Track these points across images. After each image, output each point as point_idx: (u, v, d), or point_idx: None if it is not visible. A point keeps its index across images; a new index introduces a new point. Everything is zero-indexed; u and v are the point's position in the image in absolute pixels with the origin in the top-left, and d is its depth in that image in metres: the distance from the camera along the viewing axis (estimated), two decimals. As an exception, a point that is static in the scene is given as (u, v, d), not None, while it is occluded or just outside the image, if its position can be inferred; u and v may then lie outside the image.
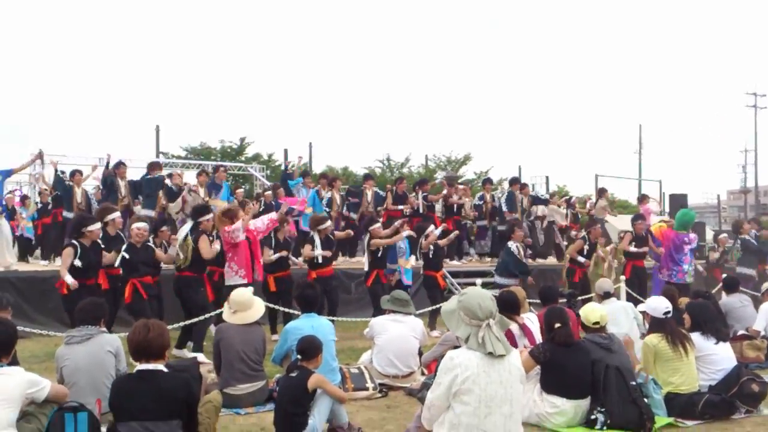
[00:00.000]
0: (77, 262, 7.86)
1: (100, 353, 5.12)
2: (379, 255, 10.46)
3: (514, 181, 15.69)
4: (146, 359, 4.18)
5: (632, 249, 12.10)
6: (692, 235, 12.11)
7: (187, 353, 8.42)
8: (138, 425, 4.06)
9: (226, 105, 60.82)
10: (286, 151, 31.95)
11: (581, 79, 73.99)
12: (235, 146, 30.05)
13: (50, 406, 4.20)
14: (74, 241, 7.99)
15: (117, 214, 8.94)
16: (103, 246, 8.38)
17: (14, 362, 4.60)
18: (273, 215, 9.85)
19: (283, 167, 13.97)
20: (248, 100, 61.33)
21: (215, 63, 66.55)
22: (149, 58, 64.58)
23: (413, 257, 11.01)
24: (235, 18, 67.67)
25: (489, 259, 14.70)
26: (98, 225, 8.28)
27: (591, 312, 5.99)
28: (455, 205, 14.20)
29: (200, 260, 8.48)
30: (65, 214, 11.95)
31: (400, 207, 13.85)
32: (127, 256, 8.42)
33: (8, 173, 11.17)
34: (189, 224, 8.69)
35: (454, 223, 13.78)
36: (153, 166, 13.38)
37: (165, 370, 4.28)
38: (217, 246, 8.72)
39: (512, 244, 11.41)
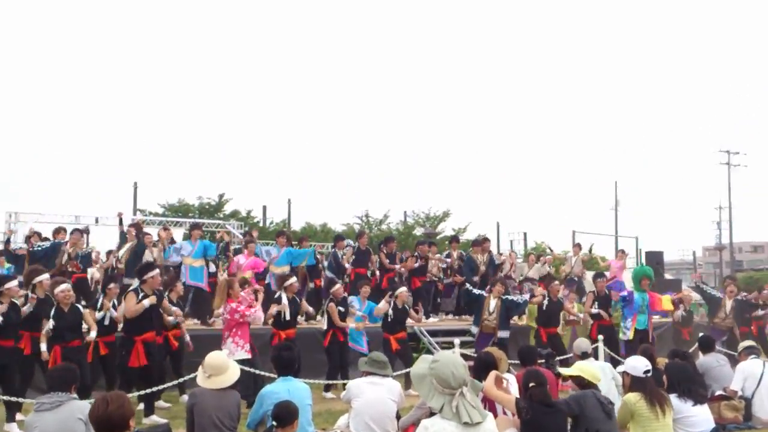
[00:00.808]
0: None
1: (69, 421, 5.02)
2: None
3: (475, 243, 15.51)
4: None
5: (593, 311, 12.21)
6: (624, 293, 12.13)
7: (156, 419, 8.30)
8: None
9: (205, 162, 61.04)
10: (264, 207, 32.15)
11: (558, 136, 75.22)
12: (213, 203, 30.07)
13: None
14: None
15: (45, 276, 8.80)
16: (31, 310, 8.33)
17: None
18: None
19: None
20: (227, 157, 61.56)
21: (194, 119, 67.00)
22: (127, 115, 64.82)
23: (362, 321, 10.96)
24: (213, 73, 68.35)
25: (461, 317, 14.67)
26: (15, 283, 8.31)
27: (593, 369, 6.01)
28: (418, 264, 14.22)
29: (131, 320, 8.56)
30: None
31: (397, 266, 13.98)
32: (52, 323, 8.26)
33: None
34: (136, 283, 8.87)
35: (420, 282, 13.96)
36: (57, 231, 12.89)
37: None
38: (144, 303, 8.62)
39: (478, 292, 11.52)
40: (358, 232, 15.87)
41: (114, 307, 9.19)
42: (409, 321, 12.67)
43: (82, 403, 5.26)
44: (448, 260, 15.00)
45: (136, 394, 8.08)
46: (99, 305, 9.15)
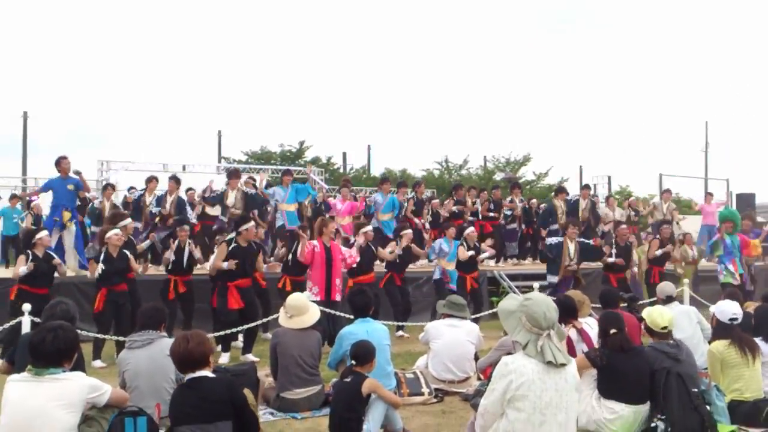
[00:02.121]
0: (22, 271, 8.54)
1: (160, 357, 5.22)
2: (397, 261, 10.71)
3: (560, 191, 14.87)
4: (191, 369, 4.26)
5: (658, 253, 12.09)
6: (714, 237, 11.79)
7: (250, 357, 8.60)
8: (188, 429, 4.13)
9: (286, 109, 61.43)
10: (344, 154, 32.42)
11: (644, 76, 72.31)
12: (294, 150, 30.46)
13: (111, 411, 4.29)
14: (28, 251, 8.74)
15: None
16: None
17: (79, 366, 4.70)
18: (355, 251, 9.79)
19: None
20: (307, 104, 61.75)
21: (274, 67, 67.42)
22: (211, 66, 65.76)
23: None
24: (293, 22, 68.42)
25: (528, 261, 14.69)
26: (45, 233, 9.08)
27: (659, 316, 5.79)
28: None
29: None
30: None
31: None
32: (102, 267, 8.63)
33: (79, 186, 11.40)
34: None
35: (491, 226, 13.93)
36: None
37: (211, 375, 4.33)
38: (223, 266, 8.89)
39: (555, 240, 11.36)
40: (414, 182, 15.69)
41: (191, 247, 9.71)
42: (489, 264, 12.68)
43: (171, 341, 5.47)
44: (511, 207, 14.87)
45: (215, 334, 8.38)
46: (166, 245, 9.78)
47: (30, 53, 63.33)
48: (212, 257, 9.44)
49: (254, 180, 13.50)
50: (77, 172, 11.14)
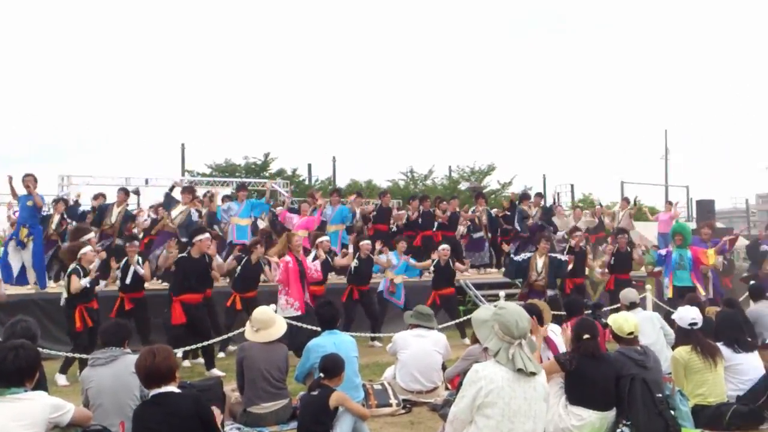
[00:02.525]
0: None
1: (124, 375, 5.14)
2: (353, 273, 10.84)
3: (524, 197, 15.29)
4: (157, 384, 4.21)
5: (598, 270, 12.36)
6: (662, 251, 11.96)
7: (216, 372, 8.53)
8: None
9: (250, 121, 61.40)
10: (309, 165, 32.27)
11: (605, 84, 73.61)
12: (259, 162, 30.26)
13: (74, 430, 4.23)
14: None
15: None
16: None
17: (41, 385, 4.62)
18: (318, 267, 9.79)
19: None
20: (272, 116, 61.83)
21: (238, 80, 67.27)
22: (173, 77, 65.38)
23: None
24: (257, 34, 68.39)
25: (494, 270, 14.69)
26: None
27: (624, 322, 5.86)
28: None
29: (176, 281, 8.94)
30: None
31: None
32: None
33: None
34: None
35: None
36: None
37: (177, 391, 4.29)
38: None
39: (524, 257, 11.41)
40: (380, 191, 15.79)
41: (139, 263, 9.52)
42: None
43: (135, 357, 5.40)
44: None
45: (181, 350, 8.31)
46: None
47: (-12, 66, 62.32)
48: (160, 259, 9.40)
49: (211, 194, 13.39)
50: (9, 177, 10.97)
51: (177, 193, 12.03)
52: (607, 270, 12.37)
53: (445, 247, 11.36)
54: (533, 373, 3.82)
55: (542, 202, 15.79)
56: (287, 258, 9.15)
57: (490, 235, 14.90)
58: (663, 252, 11.63)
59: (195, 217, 11.86)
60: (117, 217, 12.06)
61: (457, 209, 14.89)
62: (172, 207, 11.76)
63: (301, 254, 9.40)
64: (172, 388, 4.22)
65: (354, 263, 10.82)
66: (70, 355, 8.13)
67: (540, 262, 10.98)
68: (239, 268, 9.87)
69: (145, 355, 4.25)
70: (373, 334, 10.55)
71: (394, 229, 14.20)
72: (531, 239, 13.52)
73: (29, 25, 64.89)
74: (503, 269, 12.65)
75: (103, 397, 5.11)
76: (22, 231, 10.85)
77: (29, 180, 10.79)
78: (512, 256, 11.98)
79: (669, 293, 11.16)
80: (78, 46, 63.82)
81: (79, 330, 8.38)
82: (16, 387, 3.99)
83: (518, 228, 14.36)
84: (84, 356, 7.88)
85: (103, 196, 12.98)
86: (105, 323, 5.82)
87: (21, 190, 10.92)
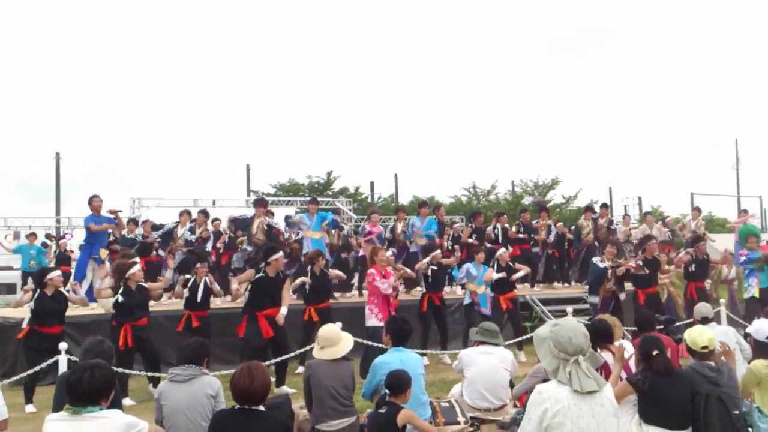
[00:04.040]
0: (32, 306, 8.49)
1: (199, 395, 5.23)
2: (430, 281, 10.93)
3: (587, 209, 15.61)
4: (249, 404, 4.34)
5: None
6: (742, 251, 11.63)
7: (285, 389, 8.62)
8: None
9: (313, 141, 62.13)
10: (372, 183, 32.54)
11: (672, 94, 71.93)
12: (322, 181, 30.65)
13: (148, 447, 4.31)
14: (37, 289, 8.65)
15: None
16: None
17: (116, 403, 4.72)
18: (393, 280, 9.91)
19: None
20: (334, 135, 62.36)
21: (302, 101, 68.20)
22: (238, 100, 66.76)
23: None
24: (320, 56, 69.39)
25: (560, 285, 14.63)
26: (57, 273, 8.84)
27: (699, 335, 5.66)
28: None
29: (251, 296, 9.04)
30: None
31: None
32: (120, 299, 8.67)
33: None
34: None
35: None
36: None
37: (264, 410, 4.39)
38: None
39: (598, 260, 11.22)
40: (435, 206, 15.96)
41: (206, 283, 9.83)
42: (520, 290, 12.71)
43: (213, 378, 5.48)
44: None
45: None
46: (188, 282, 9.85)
47: (60, 94, 64.77)
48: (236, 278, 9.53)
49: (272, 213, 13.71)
50: (114, 212, 11.35)
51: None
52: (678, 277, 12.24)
53: (503, 251, 11.49)
54: (592, 391, 3.70)
55: (609, 214, 15.71)
56: (372, 270, 9.28)
57: (551, 250, 14.78)
58: (742, 259, 11.43)
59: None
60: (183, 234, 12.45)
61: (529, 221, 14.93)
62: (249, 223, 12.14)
63: (385, 269, 9.48)
64: (261, 407, 4.33)
65: (430, 271, 10.94)
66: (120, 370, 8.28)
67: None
68: (309, 281, 10.03)
69: (244, 376, 4.36)
70: (442, 351, 10.51)
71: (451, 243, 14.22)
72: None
73: (95, 51, 67.33)
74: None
75: (178, 416, 5.20)
76: (102, 252, 11.23)
77: (98, 201, 11.19)
78: (595, 261, 11.76)
79: (755, 293, 10.98)
80: (143, 71, 65.88)
81: (120, 348, 8.44)
82: (92, 406, 4.08)
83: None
84: (129, 372, 8.18)
85: (189, 213, 13.41)
86: (187, 340, 5.95)
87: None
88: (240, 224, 12.73)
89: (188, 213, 13.29)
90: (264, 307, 8.94)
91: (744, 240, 11.54)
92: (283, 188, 30.13)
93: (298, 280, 10.29)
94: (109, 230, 12.41)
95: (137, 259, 9.64)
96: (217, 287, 10.02)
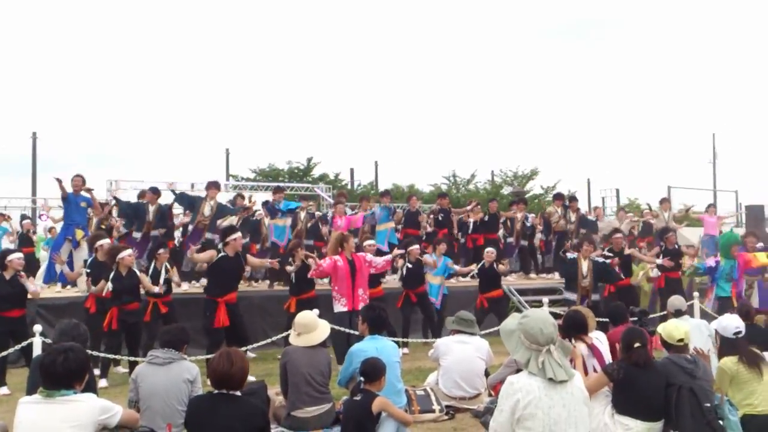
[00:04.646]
0: None
1: (177, 380, 5.27)
2: (405, 277, 11.03)
3: (557, 197, 15.66)
4: (226, 389, 4.35)
5: (657, 261, 12.24)
6: (711, 262, 11.72)
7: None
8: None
9: (294, 126, 61.85)
10: (352, 170, 32.49)
11: (652, 88, 72.35)
12: (302, 167, 30.53)
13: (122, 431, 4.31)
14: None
15: (105, 241, 9.29)
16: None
17: (91, 387, 4.70)
18: (389, 257, 10.02)
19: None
20: (315, 121, 62.03)
21: (282, 85, 67.80)
22: (218, 83, 66.22)
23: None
24: (300, 41, 68.97)
25: (536, 276, 14.68)
26: (18, 255, 8.65)
27: (675, 329, 5.73)
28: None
29: (214, 282, 8.94)
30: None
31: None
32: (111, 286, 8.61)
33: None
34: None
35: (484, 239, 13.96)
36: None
37: (239, 395, 4.40)
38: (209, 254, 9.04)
39: (571, 255, 11.30)
40: (408, 195, 15.97)
41: (166, 270, 9.65)
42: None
43: (191, 364, 5.50)
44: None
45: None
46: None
47: (38, 73, 63.93)
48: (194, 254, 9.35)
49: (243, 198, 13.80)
50: (88, 190, 11.19)
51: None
52: (655, 270, 12.31)
53: (490, 250, 11.53)
54: (564, 381, 3.76)
55: (577, 207, 15.70)
56: (336, 257, 9.21)
57: (525, 241, 14.85)
58: (712, 263, 11.46)
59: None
60: (153, 215, 12.32)
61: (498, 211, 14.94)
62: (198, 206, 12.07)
63: (354, 254, 9.43)
64: (238, 392, 4.35)
65: (405, 268, 10.97)
66: (101, 355, 8.26)
67: (584, 265, 10.93)
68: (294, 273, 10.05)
69: (223, 360, 4.37)
70: (426, 340, 10.54)
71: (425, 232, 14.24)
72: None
73: (77, 31, 66.53)
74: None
75: (154, 399, 5.21)
76: (77, 232, 11.08)
77: (79, 181, 11.05)
78: (567, 254, 11.88)
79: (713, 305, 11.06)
80: (123, 53, 65.14)
81: (104, 330, 8.50)
82: (66, 389, 4.07)
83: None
84: (113, 356, 8.16)
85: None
86: (167, 326, 5.96)
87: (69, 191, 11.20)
88: (184, 201, 12.62)
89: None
90: (228, 291, 8.93)
91: (728, 250, 11.49)
92: (263, 173, 29.99)
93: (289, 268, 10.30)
94: (90, 212, 12.30)
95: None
96: (176, 277, 9.93)
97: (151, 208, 12.33)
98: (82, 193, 11.17)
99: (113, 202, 13.30)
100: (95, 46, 65.14)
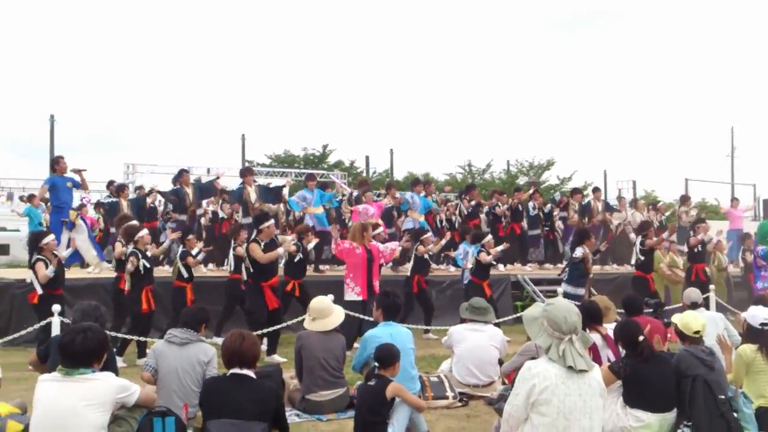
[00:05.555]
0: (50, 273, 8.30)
1: (193, 361, 5.33)
2: (419, 263, 10.91)
3: (575, 193, 15.69)
4: (239, 366, 4.41)
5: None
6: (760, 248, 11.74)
7: (277, 358, 8.69)
8: (230, 423, 4.22)
9: (310, 113, 61.76)
10: (367, 158, 32.48)
11: (670, 79, 71.64)
12: (317, 153, 30.58)
13: (140, 411, 4.37)
14: (42, 256, 8.43)
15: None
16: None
17: (110, 366, 4.76)
18: (394, 246, 10.00)
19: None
20: (331, 108, 61.96)
21: (299, 71, 67.75)
22: (235, 68, 66.29)
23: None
24: (318, 27, 68.79)
25: (551, 266, 14.62)
26: (51, 236, 8.70)
27: (692, 320, 5.71)
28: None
29: (258, 267, 8.91)
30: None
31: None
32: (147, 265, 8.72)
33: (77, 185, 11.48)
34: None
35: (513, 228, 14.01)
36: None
37: (254, 376, 4.45)
38: (279, 251, 9.09)
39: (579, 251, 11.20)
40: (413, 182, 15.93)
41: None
42: (512, 270, 12.71)
43: (207, 346, 5.56)
44: (535, 211, 14.92)
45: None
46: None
47: (56, 57, 64.24)
48: (254, 253, 9.22)
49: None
50: (77, 170, 11.17)
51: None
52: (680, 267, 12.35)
53: (489, 238, 11.45)
54: (584, 371, 3.77)
55: (601, 197, 15.82)
56: (355, 245, 9.24)
57: (546, 230, 14.82)
58: (760, 249, 11.63)
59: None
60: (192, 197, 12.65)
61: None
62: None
63: (371, 244, 9.45)
64: (250, 372, 4.38)
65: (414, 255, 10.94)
66: (120, 336, 8.32)
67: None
68: (298, 254, 10.01)
69: (235, 337, 4.47)
70: (426, 327, 10.58)
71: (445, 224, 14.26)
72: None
73: (94, 14, 66.74)
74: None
75: (170, 378, 5.29)
76: (71, 213, 11.13)
77: (64, 163, 11.07)
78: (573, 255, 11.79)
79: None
80: (142, 37, 65.36)
81: (145, 311, 8.57)
82: (85, 368, 4.13)
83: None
84: (141, 338, 8.20)
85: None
86: (189, 306, 6.02)
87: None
88: (231, 198, 12.72)
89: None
90: (269, 277, 8.99)
91: (763, 237, 11.63)
92: (278, 159, 30.08)
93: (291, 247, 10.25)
94: (84, 197, 12.40)
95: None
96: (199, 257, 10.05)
97: (189, 190, 12.48)
98: (69, 174, 11.13)
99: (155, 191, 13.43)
100: (112, 32, 65.35)
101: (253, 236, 9.26)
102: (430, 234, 11.31)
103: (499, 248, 11.37)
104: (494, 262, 11.02)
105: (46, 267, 8.32)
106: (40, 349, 5.64)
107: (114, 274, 9.61)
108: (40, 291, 8.35)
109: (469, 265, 10.84)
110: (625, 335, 5.53)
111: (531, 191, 15.27)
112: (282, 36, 70.53)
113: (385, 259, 9.80)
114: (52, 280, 8.41)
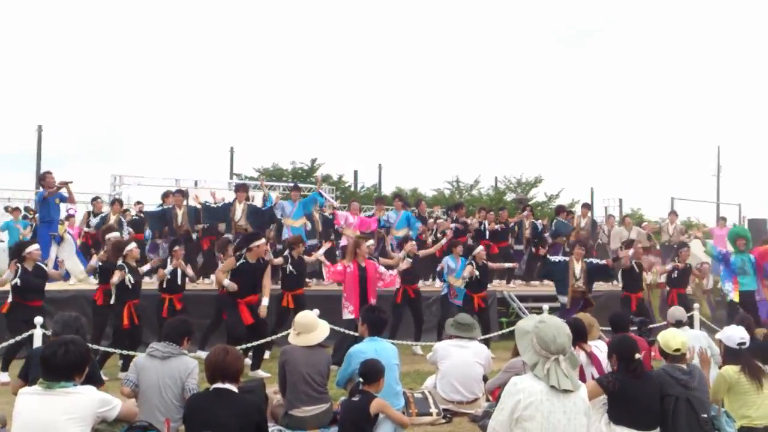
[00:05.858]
0: (17, 282, 8.27)
1: (175, 375, 5.25)
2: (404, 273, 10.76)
3: (560, 210, 15.70)
4: (221, 381, 4.38)
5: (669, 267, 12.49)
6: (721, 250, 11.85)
7: (260, 374, 8.64)
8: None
9: (298, 127, 61.82)
10: (356, 172, 32.51)
11: (657, 99, 72.26)
12: (306, 167, 30.56)
13: (120, 425, 4.32)
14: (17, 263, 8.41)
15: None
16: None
17: (93, 379, 4.71)
18: (395, 273, 10.00)
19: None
20: (319, 122, 62.06)
21: (288, 85, 67.85)
22: (224, 82, 66.32)
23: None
24: (306, 41, 69.01)
25: (538, 283, 14.62)
26: (35, 246, 8.68)
27: (672, 338, 5.71)
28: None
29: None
30: None
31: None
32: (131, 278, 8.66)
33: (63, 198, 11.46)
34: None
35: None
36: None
37: (236, 391, 4.43)
38: (231, 286, 8.97)
39: (558, 259, 11.32)
40: (417, 199, 15.90)
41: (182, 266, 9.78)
42: (497, 286, 12.71)
43: (189, 359, 5.48)
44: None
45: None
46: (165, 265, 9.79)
47: (44, 67, 64.04)
48: (221, 270, 9.36)
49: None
50: (64, 183, 11.12)
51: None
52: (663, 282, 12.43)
53: (480, 249, 11.34)
54: (568, 390, 3.75)
55: (589, 214, 15.84)
56: (348, 263, 9.23)
57: (533, 248, 14.84)
58: (722, 250, 11.63)
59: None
60: (182, 218, 12.46)
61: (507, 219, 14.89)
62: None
63: (366, 260, 9.44)
64: (233, 387, 4.36)
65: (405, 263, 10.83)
66: (102, 348, 8.20)
67: (578, 267, 11.08)
68: (288, 266, 10.01)
69: (219, 351, 4.47)
70: (414, 343, 10.55)
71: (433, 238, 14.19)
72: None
73: (82, 27, 66.69)
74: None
75: (151, 393, 5.21)
76: (60, 227, 11.13)
77: (52, 179, 11.04)
78: (548, 257, 12.09)
79: (735, 297, 11.12)
80: (130, 49, 65.25)
81: (126, 327, 8.49)
82: (66, 381, 4.09)
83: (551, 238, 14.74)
84: (124, 352, 8.13)
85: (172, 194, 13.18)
86: (171, 319, 5.97)
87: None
88: (216, 213, 12.61)
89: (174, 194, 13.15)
90: (245, 295, 8.91)
91: (732, 241, 11.69)
92: (267, 173, 30.04)
93: (276, 260, 10.20)
94: (70, 208, 12.34)
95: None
96: (190, 272, 9.97)
97: (179, 212, 12.39)
98: (57, 184, 11.08)
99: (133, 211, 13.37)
100: (100, 42, 65.26)
101: (242, 252, 9.17)
102: (413, 243, 11.24)
103: (507, 265, 11.52)
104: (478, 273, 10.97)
105: (16, 273, 8.31)
106: (21, 369, 5.58)
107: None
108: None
109: (450, 278, 10.89)
110: (622, 351, 5.50)
111: (525, 211, 15.31)
112: (272, 50, 70.74)
113: (385, 283, 9.78)
114: (22, 290, 8.35)
